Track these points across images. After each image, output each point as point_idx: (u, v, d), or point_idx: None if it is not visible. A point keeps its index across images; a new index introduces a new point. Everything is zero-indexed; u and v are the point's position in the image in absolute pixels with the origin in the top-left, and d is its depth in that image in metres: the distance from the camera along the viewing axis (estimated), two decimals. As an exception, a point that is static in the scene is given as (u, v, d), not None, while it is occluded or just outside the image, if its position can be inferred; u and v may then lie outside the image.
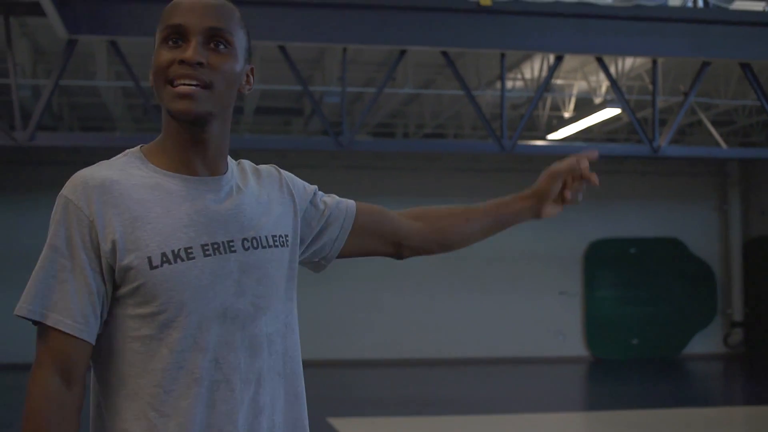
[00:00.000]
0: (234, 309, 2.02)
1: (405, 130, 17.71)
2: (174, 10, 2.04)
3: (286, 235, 2.20)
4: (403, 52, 10.94)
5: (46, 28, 10.50)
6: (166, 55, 2.01)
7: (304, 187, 2.37)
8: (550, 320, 18.27)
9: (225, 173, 2.14)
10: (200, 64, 1.99)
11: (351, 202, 2.44)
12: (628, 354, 18.43)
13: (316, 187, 2.42)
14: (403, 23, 10.72)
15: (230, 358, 2.00)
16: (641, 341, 18.54)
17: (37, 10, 9.57)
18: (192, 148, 2.07)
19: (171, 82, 2.00)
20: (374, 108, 14.42)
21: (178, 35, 2.01)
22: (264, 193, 2.22)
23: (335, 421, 10.86)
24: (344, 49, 10.95)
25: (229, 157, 2.19)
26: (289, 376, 2.14)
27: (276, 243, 2.14)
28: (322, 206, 2.37)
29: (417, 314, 17.69)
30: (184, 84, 1.98)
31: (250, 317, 2.04)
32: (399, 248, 2.48)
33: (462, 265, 17.88)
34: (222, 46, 2.03)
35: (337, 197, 2.43)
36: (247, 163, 2.29)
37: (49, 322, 1.92)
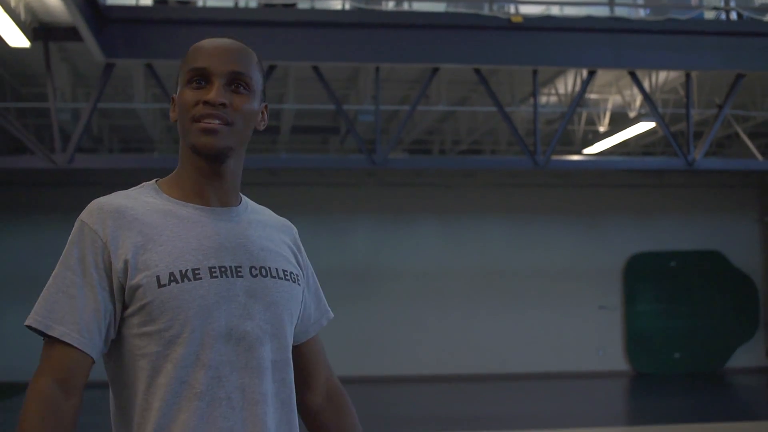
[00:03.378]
0: (240, 330, 2.11)
1: (441, 147, 17.76)
2: (197, 53, 2.19)
3: (297, 275, 2.30)
4: (435, 70, 11.00)
5: (84, 52, 10.68)
6: (191, 95, 2.15)
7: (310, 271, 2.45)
8: (591, 335, 18.18)
9: (237, 205, 2.26)
10: (223, 104, 2.14)
11: (323, 322, 2.49)
12: (670, 368, 18.29)
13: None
14: (435, 41, 10.80)
15: (233, 377, 2.09)
16: (683, 355, 18.40)
17: (75, 36, 9.79)
18: (208, 180, 2.20)
19: (196, 120, 2.14)
20: (409, 125, 14.51)
21: (201, 77, 2.16)
22: (277, 237, 2.32)
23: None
24: (377, 68, 11.04)
25: (244, 196, 2.32)
26: (288, 406, 2.22)
27: (287, 277, 2.24)
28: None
29: (458, 331, 17.69)
30: (208, 121, 2.12)
31: (258, 340, 2.13)
32: (301, 395, 2.42)
33: (502, 282, 17.89)
34: (242, 88, 2.18)
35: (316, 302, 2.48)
36: (266, 210, 2.40)
37: (55, 334, 2.03)
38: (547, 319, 18.01)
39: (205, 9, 10.90)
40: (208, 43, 2.21)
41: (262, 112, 2.29)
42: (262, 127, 2.28)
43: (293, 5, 11.00)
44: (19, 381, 15.67)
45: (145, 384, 2.06)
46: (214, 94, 2.13)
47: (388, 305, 17.51)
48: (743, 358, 18.55)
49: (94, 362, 2.08)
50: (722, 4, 11.75)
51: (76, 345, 2.03)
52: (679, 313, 18.53)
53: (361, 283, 17.13)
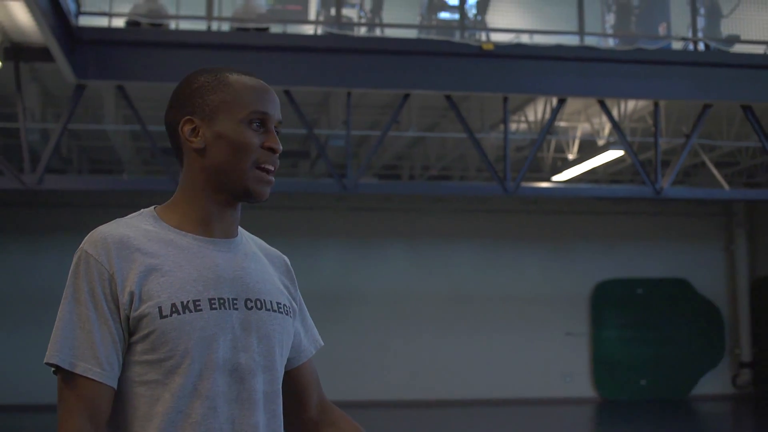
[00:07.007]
0: (233, 362, 2.14)
1: (411, 172, 17.79)
2: (258, 95, 2.24)
3: (290, 308, 2.33)
4: (406, 96, 11.05)
5: (55, 73, 10.64)
6: (254, 137, 2.20)
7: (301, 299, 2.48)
8: (557, 361, 18.23)
9: (235, 237, 2.29)
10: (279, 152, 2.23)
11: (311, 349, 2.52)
12: (636, 395, 18.36)
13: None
14: (407, 68, 10.86)
15: (227, 408, 2.12)
16: (649, 382, 18.48)
17: (47, 56, 9.74)
18: (222, 215, 2.25)
19: (259, 167, 2.20)
20: (380, 150, 14.51)
21: (261, 121, 2.21)
22: (271, 269, 2.35)
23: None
24: (349, 93, 11.07)
25: (240, 227, 2.34)
26: None
27: (281, 310, 2.27)
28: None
29: (425, 355, 17.68)
30: (271, 172, 2.22)
31: (251, 373, 2.16)
32: (296, 415, 2.50)
33: (470, 307, 17.91)
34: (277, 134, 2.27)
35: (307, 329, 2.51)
36: (259, 240, 2.43)
37: (79, 371, 2.05)
38: (514, 344, 18.04)
39: (177, 32, 10.90)
40: (261, 85, 2.26)
41: None
42: None
43: (266, 29, 11.03)
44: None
45: (143, 411, 2.08)
46: (278, 143, 2.22)
47: (355, 329, 17.49)
48: (709, 385, 18.66)
49: (115, 390, 2.11)
50: (690, 35, 11.89)
51: (100, 380, 2.06)
52: (646, 340, 18.62)
53: (330, 307, 17.09)
